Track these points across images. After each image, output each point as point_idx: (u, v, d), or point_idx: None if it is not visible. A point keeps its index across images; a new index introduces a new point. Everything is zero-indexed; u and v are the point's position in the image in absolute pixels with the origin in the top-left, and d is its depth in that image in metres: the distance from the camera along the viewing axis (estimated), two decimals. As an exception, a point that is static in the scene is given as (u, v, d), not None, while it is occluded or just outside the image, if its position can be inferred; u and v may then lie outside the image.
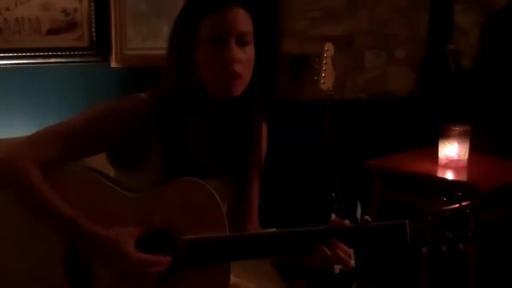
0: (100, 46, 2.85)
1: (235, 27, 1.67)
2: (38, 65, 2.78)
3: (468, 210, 1.69)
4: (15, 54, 2.72)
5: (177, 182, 1.69)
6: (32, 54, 2.75)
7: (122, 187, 1.72)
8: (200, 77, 1.69)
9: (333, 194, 2.98)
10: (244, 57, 1.69)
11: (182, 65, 1.70)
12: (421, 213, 1.71)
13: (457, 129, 2.97)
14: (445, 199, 1.71)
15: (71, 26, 2.79)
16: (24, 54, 2.74)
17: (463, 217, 1.69)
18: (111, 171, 1.82)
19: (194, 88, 1.70)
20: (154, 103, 1.71)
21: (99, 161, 1.80)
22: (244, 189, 1.89)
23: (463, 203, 1.70)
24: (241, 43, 1.69)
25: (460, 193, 1.72)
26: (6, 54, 2.71)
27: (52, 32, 2.77)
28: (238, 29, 1.68)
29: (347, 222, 1.74)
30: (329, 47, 3.12)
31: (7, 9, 2.69)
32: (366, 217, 1.71)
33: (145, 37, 2.91)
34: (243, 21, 1.69)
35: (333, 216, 2.94)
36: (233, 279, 1.82)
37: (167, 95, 1.72)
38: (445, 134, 2.97)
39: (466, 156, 2.98)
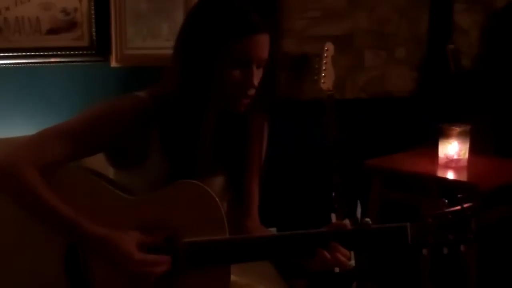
0: (100, 46, 2.84)
1: (261, 55, 1.69)
2: (38, 64, 2.77)
3: (469, 212, 1.69)
4: (15, 54, 2.72)
5: (177, 185, 1.70)
6: (32, 53, 2.74)
7: (121, 189, 1.72)
8: (211, 90, 1.69)
9: (333, 194, 2.98)
10: (259, 80, 1.72)
11: (198, 76, 1.68)
12: (422, 215, 1.70)
13: (457, 129, 2.97)
14: (446, 201, 1.71)
15: (71, 25, 2.79)
16: (24, 53, 2.73)
17: (464, 219, 1.69)
18: (109, 171, 1.82)
19: (202, 97, 1.70)
20: (153, 102, 1.72)
21: (98, 161, 1.80)
22: (243, 187, 1.89)
23: (465, 205, 1.70)
24: (259, 67, 1.71)
25: (460, 195, 1.71)
26: (6, 54, 2.71)
27: (52, 31, 2.76)
28: (263, 57, 1.70)
29: (347, 222, 1.74)
30: (329, 47, 3.13)
31: (7, 8, 2.68)
32: (367, 219, 1.71)
33: (145, 37, 2.90)
34: (267, 48, 1.70)
35: (333, 216, 2.94)
36: (233, 278, 1.83)
37: (170, 96, 1.71)
38: (445, 134, 2.98)
39: (466, 156, 2.99)
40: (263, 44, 1.69)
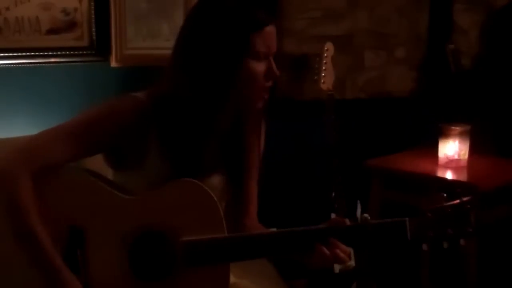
0: (100, 45, 2.84)
1: (274, 46, 1.71)
2: (38, 64, 2.77)
3: (468, 206, 1.69)
4: (15, 54, 2.72)
5: (175, 184, 1.70)
6: (32, 54, 2.74)
7: (120, 189, 1.72)
8: (231, 89, 1.68)
9: (333, 194, 2.98)
10: None
11: (215, 77, 1.68)
12: (421, 210, 1.70)
13: (457, 129, 2.97)
14: (445, 195, 1.71)
15: (71, 25, 2.79)
16: (24, 54, 2.73)
17: (463, 213, 1.69)
18: (108, 172, 1.81)
19: (220, 97, 1.69)
20: (152, 103, 1.71)
21: (97, 162, 1.80)
22: (241, 186, 1.89)
23: (464, 199, 1.69)
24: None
25: (459, 189, 1.71)
26: (6, 54, 2.71)
27: (52, 31, 2.76)
28: (275, 49, 1.72)
29: (347, 221, 1.74)
30: (329, 47, 3.13)
31: (7, 8, 2.68)
32: (366, 215, 1.71)
33: (145, 37, 2.90)
34: (276, 40, 1.72)
35: (333, 216, 2.94)
36: (232, 279, 1.82)
37: (172, 96, 1.71)
38: (445, 134, 2.97)
39: (466, 156, 2.98)
40: (274, 35, 1.71)
